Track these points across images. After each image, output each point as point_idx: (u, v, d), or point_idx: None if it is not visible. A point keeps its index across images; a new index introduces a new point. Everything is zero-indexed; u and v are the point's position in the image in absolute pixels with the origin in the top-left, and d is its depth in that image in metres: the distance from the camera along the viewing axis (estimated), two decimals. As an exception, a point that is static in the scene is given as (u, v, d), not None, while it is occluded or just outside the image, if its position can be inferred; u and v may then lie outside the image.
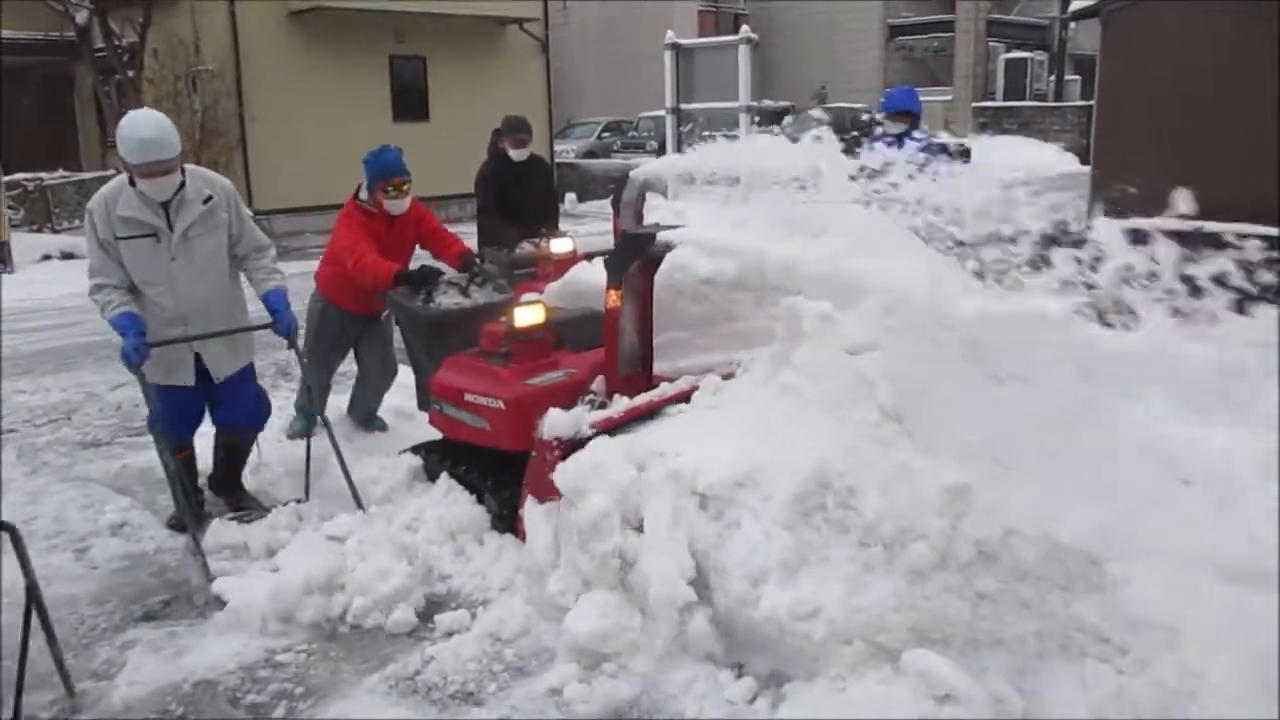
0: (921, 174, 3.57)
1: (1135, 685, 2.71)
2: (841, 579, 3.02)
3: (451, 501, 4.23)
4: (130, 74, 16.38)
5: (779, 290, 3.79)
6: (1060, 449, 3.07)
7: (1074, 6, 15.80)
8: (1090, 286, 3.14)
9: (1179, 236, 3.13)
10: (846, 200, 3.70)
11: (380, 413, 5.70)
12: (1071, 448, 3.06)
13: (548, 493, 3.69)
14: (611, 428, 3.80)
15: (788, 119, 18.69)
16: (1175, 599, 2.76)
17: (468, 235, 5.73)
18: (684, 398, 4.01)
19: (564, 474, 3.60)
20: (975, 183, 3.45)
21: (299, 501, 4.55)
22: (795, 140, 3.99)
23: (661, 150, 16.55)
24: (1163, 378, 3.00)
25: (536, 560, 3.65)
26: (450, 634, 3.56)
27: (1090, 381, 3.07)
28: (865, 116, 21.35)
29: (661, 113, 10.85)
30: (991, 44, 28.49)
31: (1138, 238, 3.17)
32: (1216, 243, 3.08)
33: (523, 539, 3.82)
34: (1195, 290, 3.05)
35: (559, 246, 5.77)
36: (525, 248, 6.30)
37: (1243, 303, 3.03)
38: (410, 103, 18.90)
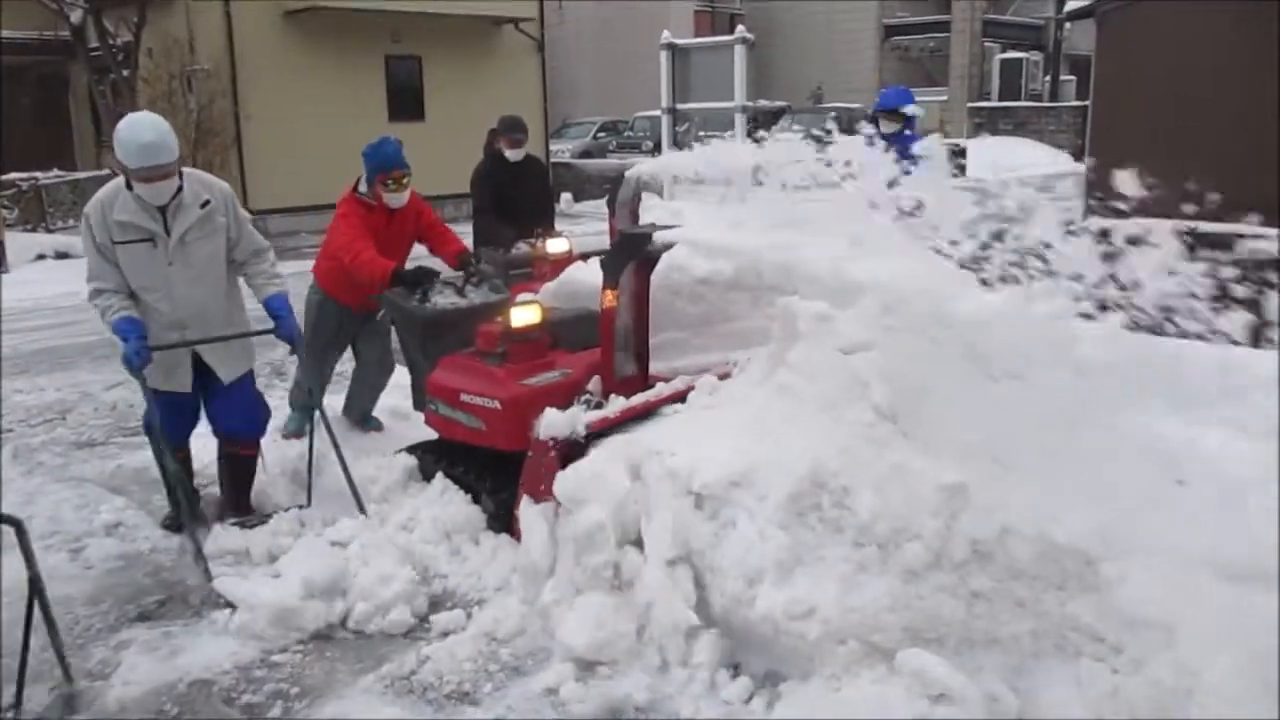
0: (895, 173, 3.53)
1: (1131, 684, 2.71)
2: (836, 579, 3.02)
3: (447, 501, 4.23)
4: (125, 73, 16.32)
5: (776, 290, 3.79)
6: (1059, 449, 3.07)
7: (1069, 7, 15.84)
8: (1088, 286, 3.13)
9: (1177, 236, 3.13)
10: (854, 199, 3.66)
11: (376, 412, 5.70)
12: (1070, 447, 3.06)
13: (543, 493, 3.69)
14: (607, 428, 3.80)
15: (784, 120, 18.68)
16: (1171, 598, 2.75)
17: (463, 235, 5.71)
18: (680, 398, 4.01)
19: (563, 483, 3.60)
20: (933, 185, 3.44)
21: (301, 507, 4.49)
22: (821, 138, 3.89)
23: (657, 150, 16.56)
24: (1163, 378, 2.99)
25: (532, 560, 3.65)
26: (446, 634, 3.55)
27: (1089, 381, 3.06)
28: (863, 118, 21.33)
29: (657, 113, 10.87)
30: (987, 44, 28.53)
31: (1134, 238, 3.17)
32: (1213, 242, 3.08)
33: (518, 539, 3.81)
34: (1192, 290, 3.05)
35: (555, 246, 5.76)
36: (521, 248, 6.28)
37: (1242, 302, 3.03)
38: (406, 102, 18.84)
